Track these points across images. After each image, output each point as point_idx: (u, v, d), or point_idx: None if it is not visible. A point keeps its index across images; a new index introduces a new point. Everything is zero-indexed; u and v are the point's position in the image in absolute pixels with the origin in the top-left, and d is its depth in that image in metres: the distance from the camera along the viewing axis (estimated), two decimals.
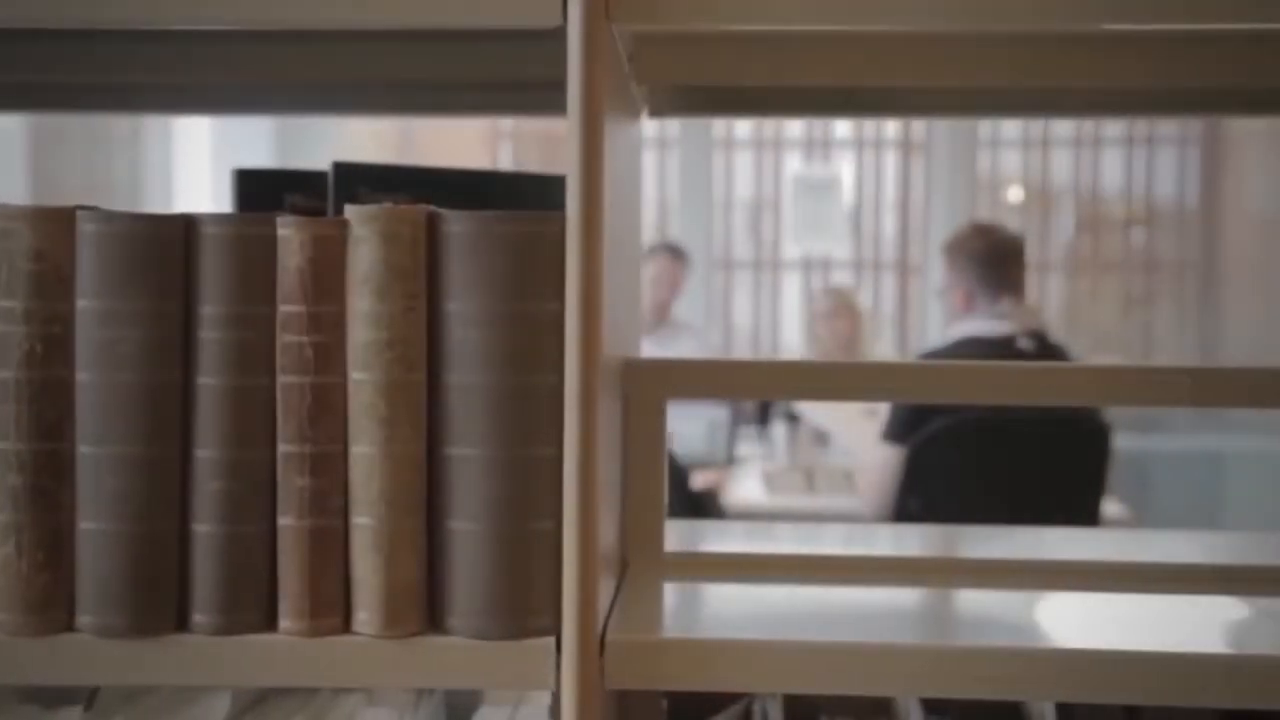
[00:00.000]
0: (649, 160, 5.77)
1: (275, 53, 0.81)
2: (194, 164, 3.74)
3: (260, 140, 3.53)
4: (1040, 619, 0.78)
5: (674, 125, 5.14)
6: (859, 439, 2.65)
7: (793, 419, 3.13)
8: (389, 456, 0.66)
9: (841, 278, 5.84)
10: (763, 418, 3.49)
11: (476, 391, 0.66)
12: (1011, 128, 5.53)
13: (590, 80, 0.65)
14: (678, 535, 0.89)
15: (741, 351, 5.84)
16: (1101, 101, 1.04)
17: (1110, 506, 2.72)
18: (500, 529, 0.66)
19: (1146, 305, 5.72)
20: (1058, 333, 6.04)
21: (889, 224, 5.51)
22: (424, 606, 0.67)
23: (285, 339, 0.66)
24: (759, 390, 0.83)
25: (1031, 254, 5.81)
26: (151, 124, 3.77)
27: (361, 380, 0.66)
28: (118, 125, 3.69)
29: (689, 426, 3.01)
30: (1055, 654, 0.68)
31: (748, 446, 3.43)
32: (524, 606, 0.67)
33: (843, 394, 0.87)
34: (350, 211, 0.66)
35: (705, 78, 0.84)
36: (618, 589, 0.77)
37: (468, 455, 0.66)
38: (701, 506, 2.60)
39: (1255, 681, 0.67)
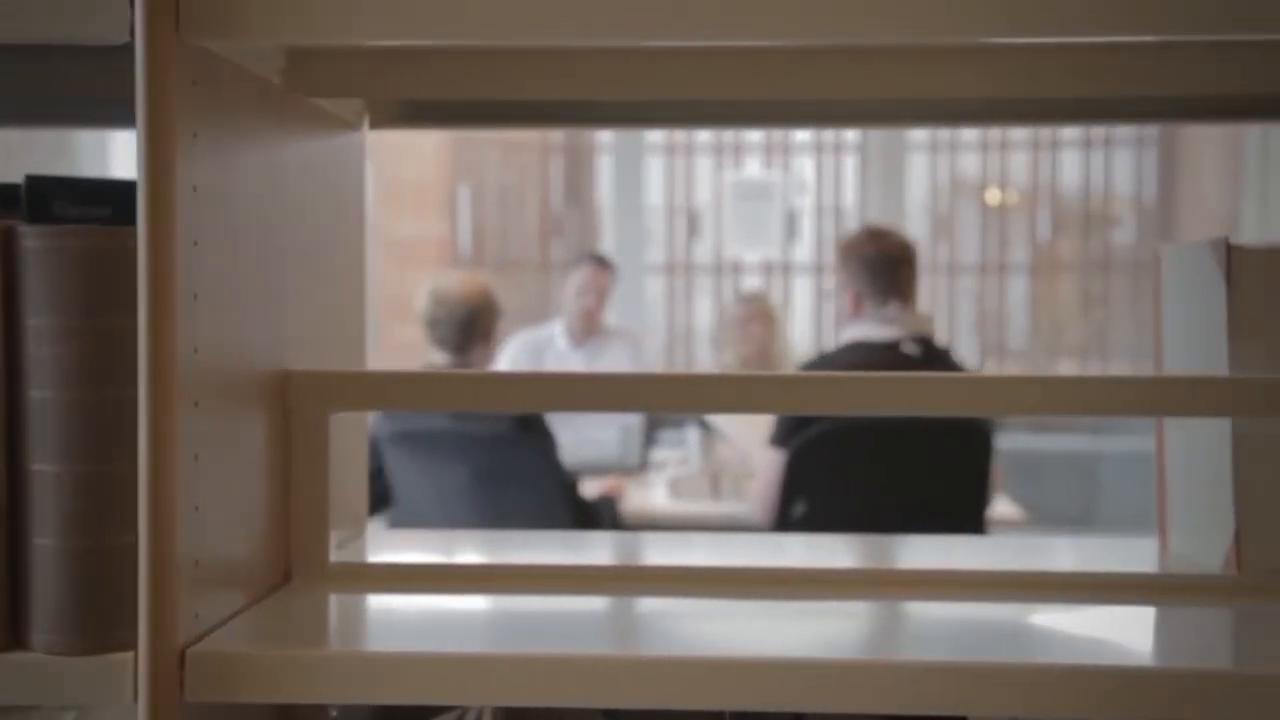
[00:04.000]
0: (604, 166, 5.78)
1: None
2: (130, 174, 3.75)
3: None
4: (722, 627, 0.77)
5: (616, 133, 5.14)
6: (753, 444, 2.63)
7: (705, 424, 3.11)
8: None
9: (803, 282, 5.85)
10: (681, 422, 3.47)
11: (56, 407, 0.66)
12: (969, 130, 5.55)
13: (155, 95, 0.65)
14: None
15: (702, 356, 5.85)
16: (1055, 110, 1.02)
17: (1002, 507, 2.71)
18: (81, 544, 0.66)
19: (1105, 304, 5.72)
20: (1019, 333, 6.02)
21: (851, 226, 5.53)
22: (6, 623, 0.67)
23: None
24: (426, 402, 0.83)
25: (992, 255, 5.82)
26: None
27: None
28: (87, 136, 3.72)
29: (602, 432, 3.00)
30: (716, 662, 0.67)
31: (666, 451, 3.42)
32: (106, 621, 0.67)
33: (526, 404, 0.87)
34: None
35: (371, 92, 0.84)
36: (256, 601, 0.77)
37: (48, 471, 0.67)
38: (593, 516, 2.56)
39: (901, 685, 0.67)
